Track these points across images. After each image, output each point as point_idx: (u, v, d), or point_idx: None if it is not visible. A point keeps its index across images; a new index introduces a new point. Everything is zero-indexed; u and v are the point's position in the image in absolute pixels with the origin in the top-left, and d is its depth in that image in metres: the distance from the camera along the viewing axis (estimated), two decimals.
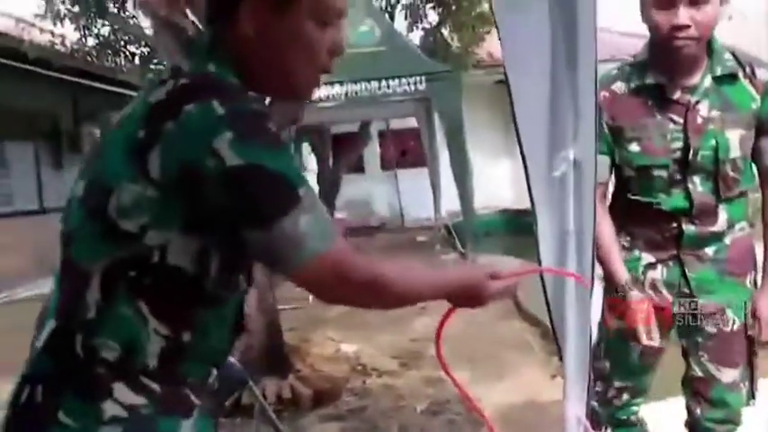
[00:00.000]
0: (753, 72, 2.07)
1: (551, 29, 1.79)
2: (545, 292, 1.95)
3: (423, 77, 7.58)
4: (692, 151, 2.03)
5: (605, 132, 2.09)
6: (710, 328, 2.13)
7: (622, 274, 2.09)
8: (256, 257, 1.11)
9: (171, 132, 1.00)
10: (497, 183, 14.82)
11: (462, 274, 1.31)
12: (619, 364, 2.21)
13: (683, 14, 1.93)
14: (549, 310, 1.95)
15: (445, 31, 12.36)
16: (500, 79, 15.38)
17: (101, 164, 1.08)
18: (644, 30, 2.08)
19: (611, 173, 2.17)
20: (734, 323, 2.12)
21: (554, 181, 1.86)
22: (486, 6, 11.99)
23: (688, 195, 2.07)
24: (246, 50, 1.14)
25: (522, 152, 1.90)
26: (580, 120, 1.78)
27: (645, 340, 2.07)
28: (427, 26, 12.32)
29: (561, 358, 1.97)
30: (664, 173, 2.07)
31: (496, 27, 1.87)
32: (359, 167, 15.44)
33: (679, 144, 2.05)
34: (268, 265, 1.10)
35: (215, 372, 1.21)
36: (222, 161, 0.98)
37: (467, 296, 1.28)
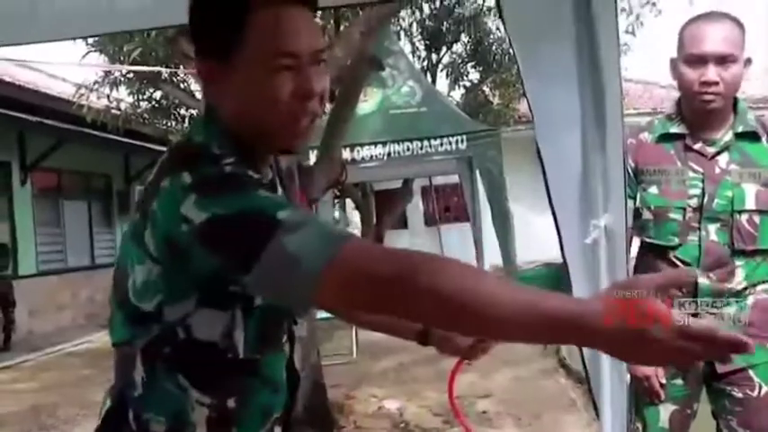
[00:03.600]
0: None
1: (581, 104, 1.90)
2: (581, 349, 2.00)
3: (463, 137, 7.70)
4: (707, 198, 2.11)
5: (630, 176, 2.17)
6: (737, 393, 2.15)
7: None
8: (272, 298, 1.04)
9: (155, 210, 1.03)
10: (541, 236, 14.66)
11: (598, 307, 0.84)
12: (649, 427, 2.23)
13: (712, 72, 2.05)
14: (585, 368, 2.01)
15: (486, 89, 12.57)
16: None
17: (121, 250, 1.15)
18: None
19: (634, 218, 2.22)
20: (761, 389, 2.13)
21: (586, 247, 1.94)
22: None
23: (701, 244, 2.12)
24: (225, 114, 1.12)
25: (555, 219, 1.98)
26: (610, 192, 1.87)
27: (655, 384, 2.13)
28: (468, 84, 12.56)
29: (598, 415, 2.01)
30: (679, 216, 2.14)
31: (526, 98, 1.98)
32: (402, 223, 15.53)
33: (697, 191, 2.13)
34: (285, 303, 1.05)
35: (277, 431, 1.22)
36: (191, 223, 0.98)
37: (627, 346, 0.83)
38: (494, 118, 11.41)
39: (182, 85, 8.43)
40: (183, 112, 9.41)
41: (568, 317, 0.84)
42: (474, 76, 12.63)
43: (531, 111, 1.96)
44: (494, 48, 11.80)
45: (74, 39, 4.39)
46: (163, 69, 6.54)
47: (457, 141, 7.64)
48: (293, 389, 1.25)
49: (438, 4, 11.68)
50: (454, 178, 12.63)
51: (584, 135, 1.91)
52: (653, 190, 2.18)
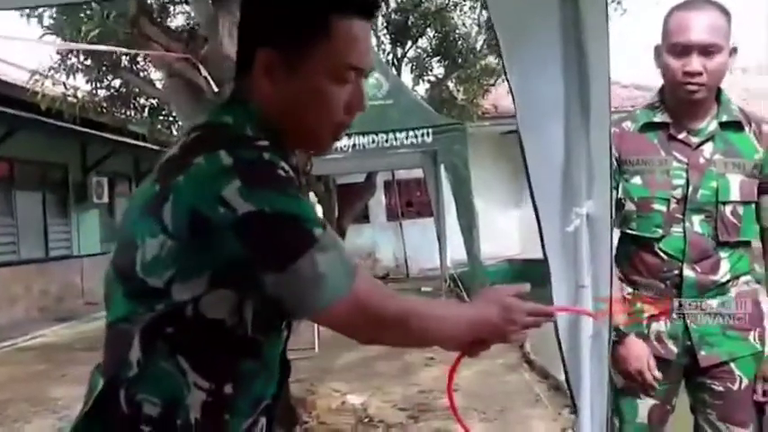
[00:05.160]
0: (759, 128, 2.15)
1: (565, 90, 1.85)
2: (560, 345, 1.96)
3: (429, 130, 7.66)
4: (691, 188, 2.09)
5: (614, 166, 2.13)
6: (718, 386, 2.13)
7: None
8: (279, 303, 1.06)
9: (181, 184, 1.02)
10: (504, 232, 14.85)
11: (490, 309, 1.23)
12: (627, 423, 2.20)
13: (696, 62, 2.02)
14: (564, 364, 1.96)
15: (451, 84, 12.56)
16: (506, 130, 15.62)
17: (126, 223, 1.11)
18: (646, 82, 2.16)
19: (616, 209, 2.20)
20: (741, 381, 2.12)
21: (567, 236, 1.90)
22: (490, 59, 12.24)
23: (685, 236, 2.10)
24: (264, 104, 1.14)
25: (535, 207, 1.93)
26: (594, 179, 1.82)
27: (648, 378, 2.09)
28: (433, 79, 12.53)
29: (574, 412, 1.97)
30: (663, 207, 2.11)
31: (509, 85, 1.92)
32: (364, 217, 15.48)
33: (681, 181, 2.10)
34: (292, 310, 1.07)
35: (264, 421, 1.20)
36: (233, 209, 0.99)
37: (496, 332, 1.22)
38: (458, 113, 11.39)
39: (141, 74, 8.22)
40: (142, 101, 9.18)
41: (475, 319, 1.21)
42: (439, 71, 12.61)
43: (513, 98, 1.90)
44: (459, 43, 11.79)
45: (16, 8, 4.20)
46: (123, 51, 6.27)
47: (423, 134, 7.60)
48: (283, 378, 1.23)
49: None
50: (417, 173, 12.63)
51: (568, 122, 1.86)
52: (636, 180, 2.14)
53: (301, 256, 1.00)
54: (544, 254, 1.94)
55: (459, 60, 11.83)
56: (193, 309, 1.05)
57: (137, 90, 8.49)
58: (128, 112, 9.20)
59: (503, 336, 1.22)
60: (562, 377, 5.47)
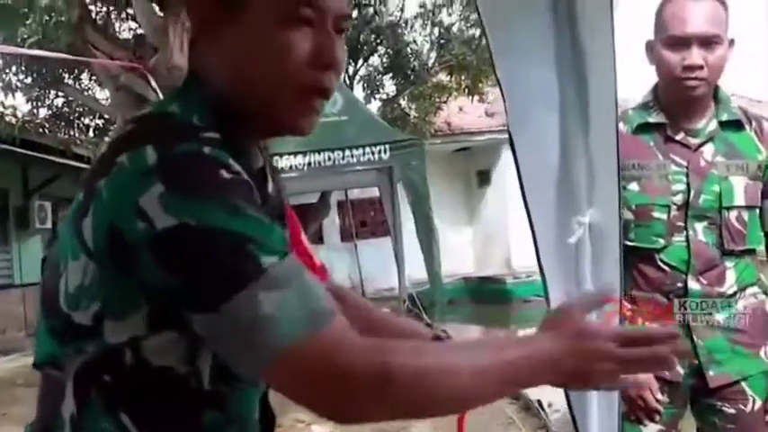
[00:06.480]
0: (760, 126, 2.01)
1: (560, 83, 1.68)
2: None
3: (386, 146, 7.51)
4: (693, 193, 1.93)
5: None
6: (729, 409, 1.96)
7: None
8: (216, 351, 0.80)
9: (101, 190, 0.77)
10: (458, 250, 14.79)
11: (555, 342, 0.85)
12: None
13: (696, 55, 1.86)
14: (566, 395, 1.77)
15: (403, 102, 12.51)
16: (458, 148, 15.63)
17: (58, 243, 0.86)
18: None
19: None
20: (754, 402, 1.96)
21: (566, 247, 1.72)
22: (442, 77, 12.22)
23: (689, 245, 1.94)
24: (214, 80, 0.87)
25: (528, 214, 1.75)
26: (596, 183, 1.65)
27: (652, 403, 1.92)
28: (385, 96, 12.46)
29: None
30: (664, 215, 1.94)
31: (497, 80, 1.74)
32: (318, 238, 15.25)
33: (681, 186, 1.94)
34: (230, 364, 0.79)
35: None
36: (151, 223, 0.73)
37: (568, 374, 0.84)
38: (410, 131, 11.31)
39: (86, 92, 7.90)
40: (87, 120, 8.85)
41: (525, 363, 0.82)
42: (390, 88, 12.56)
43: (502, 94, 1.72)
44: (411, 60, 11.74)
45: None
46: (63, 56, 5.81)
47: (380, 151, 7.45)
48: (268, 430, 0.97)
49: (356, 13, 11.51)
50: (370, 192, 12.46)
51: (564, 119, 1.68)
52: (633, 187, 1.97)
53: (238, 292, 0.72)
54: (540, 267, 1.76)
55: (412, 77, 11.79)
56: (134, 355, 0.80)
57: (81, 109, 8.17)
58: (72, 133, 8.85)
59: (585, 377, 0.85)
60: (534, 397, 5.30)
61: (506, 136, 1.75)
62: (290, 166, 7.24)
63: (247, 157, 0.85)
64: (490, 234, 15.55)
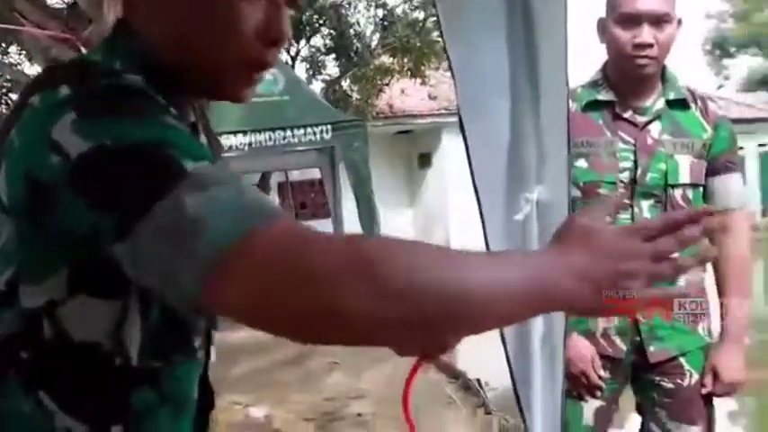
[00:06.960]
0: (705, 106, 2.06)
1: (510, 64, 1.67)
2: (504, 345, 1.78)
3: (328, 126, 7.43)
4: (640, 170, 1.97)
5: None
6: (668, 383, 2.02)
7: None
8: (149, 285, 0.68)
9: (13, 138, 0.71)
10: (399, 232, 14.70)
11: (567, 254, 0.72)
12: (571, 426, 2.05)
13: (647, 33, 1.90)
14: (510, 367, 1.78)
15: (345, 83, 12.43)
16: (400, 130, 15.64)
17: None
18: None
19: None
20: (691, 376, 2.02)
21: (514, 225, 1.72)
22: (385, 59, 12.18)
23: (633, 222, 1.97)
24: (148, 32, 0.80)
25: (477, 193, 1.75)
26: (546, 161, 1.65)
27: (594, 379, 1.96)
28: (327, 78, 12.36)
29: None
30: (610, 192, 1.98)
31: (449, 62, 1.73)
32: None
33: (628, 164, 1.98)
34: (168, 296, 0.67)
35: None
36: (67, 155, 0.66)
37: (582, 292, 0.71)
38: (353, 113, 11.26)
39: (15, 67, 7.59)
40: (14, 97, 8.50)
41: (552, 268, 0.70)
42: (333, 69, 12.46)
43: (452, 74, 1.71)
44: (354, 41, 11.67)
45: None
46: None
47: (322, 131, 7.37)
48: (206, 410, 0.91)
49: None
50: (311, 174, 12.36)
51: (515, 98, 1.68)
52: (581, 163, 1.99)
53: (162, 198, 0.62)
54: (486, 245, 1.76)
55: (355, 59, 11.72)
56: (52, 326, 0.74)
57: (9, 85, 7.85)
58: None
59: (615, 279, 0.73)
60: (472, 376, 5.37)
61: (448, 119, 1.75)
62: (231, 146, 7.10)
63: (177, 109, 0.76)
64: (431, 216, 15.68)
